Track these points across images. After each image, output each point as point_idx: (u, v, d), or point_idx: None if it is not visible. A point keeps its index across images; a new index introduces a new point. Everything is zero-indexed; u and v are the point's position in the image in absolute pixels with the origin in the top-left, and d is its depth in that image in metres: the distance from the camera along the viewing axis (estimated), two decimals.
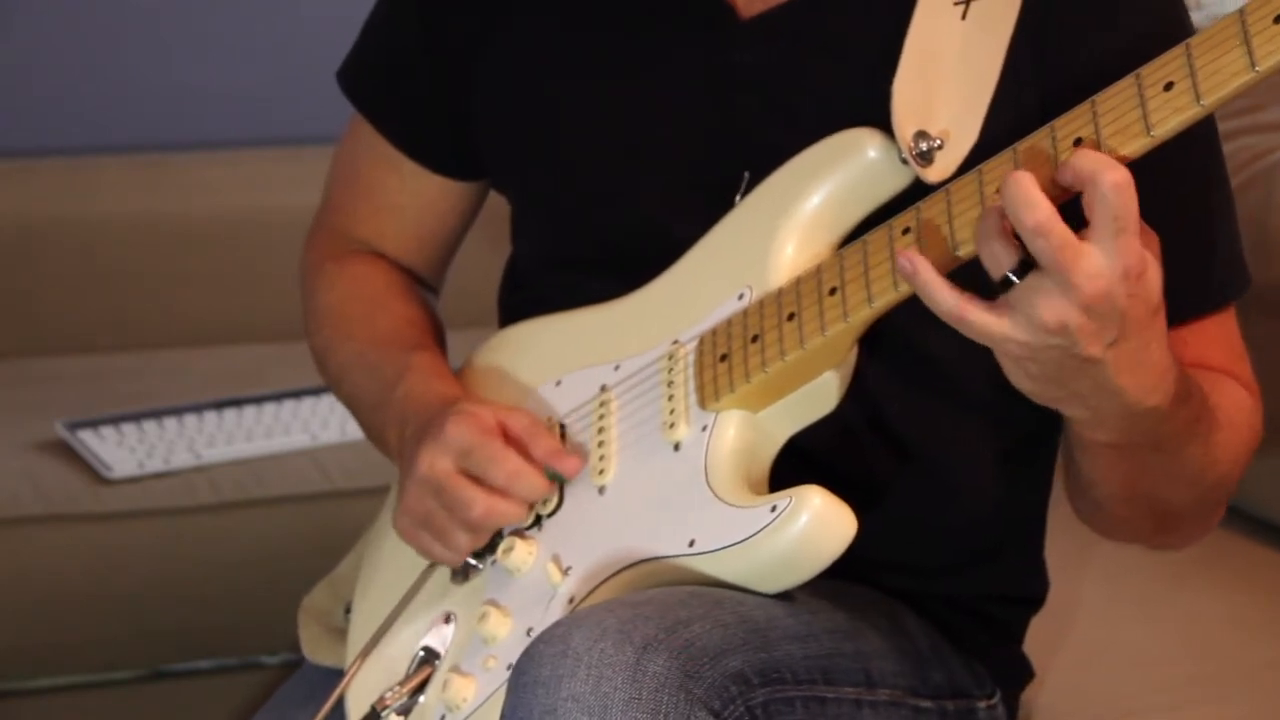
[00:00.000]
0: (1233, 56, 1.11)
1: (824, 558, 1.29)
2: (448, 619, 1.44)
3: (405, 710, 1.42)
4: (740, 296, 1.37)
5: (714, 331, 1.37)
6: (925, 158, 1.31)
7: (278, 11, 2.98)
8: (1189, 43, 1.14)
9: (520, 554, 1.39)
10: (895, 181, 1.34)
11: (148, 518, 2.34)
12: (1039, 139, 1.20)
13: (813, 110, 1.39)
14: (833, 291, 1.30)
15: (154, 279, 2.85)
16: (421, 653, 1.44)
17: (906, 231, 1.26)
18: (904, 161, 1.32)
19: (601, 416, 1.41)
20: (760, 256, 1.37)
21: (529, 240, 1.58)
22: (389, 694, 1.43)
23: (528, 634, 1.36)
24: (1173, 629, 1.90)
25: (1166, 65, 1.15)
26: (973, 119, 1.32)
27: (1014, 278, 1.16)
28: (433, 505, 1.40)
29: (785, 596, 1.33)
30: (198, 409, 2.50)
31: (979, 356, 1.39)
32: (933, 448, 1.43)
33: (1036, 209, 1.14)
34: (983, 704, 1.49)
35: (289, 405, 2.52)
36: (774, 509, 1.28)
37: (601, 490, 1.38)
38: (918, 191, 1.30)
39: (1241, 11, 1.11)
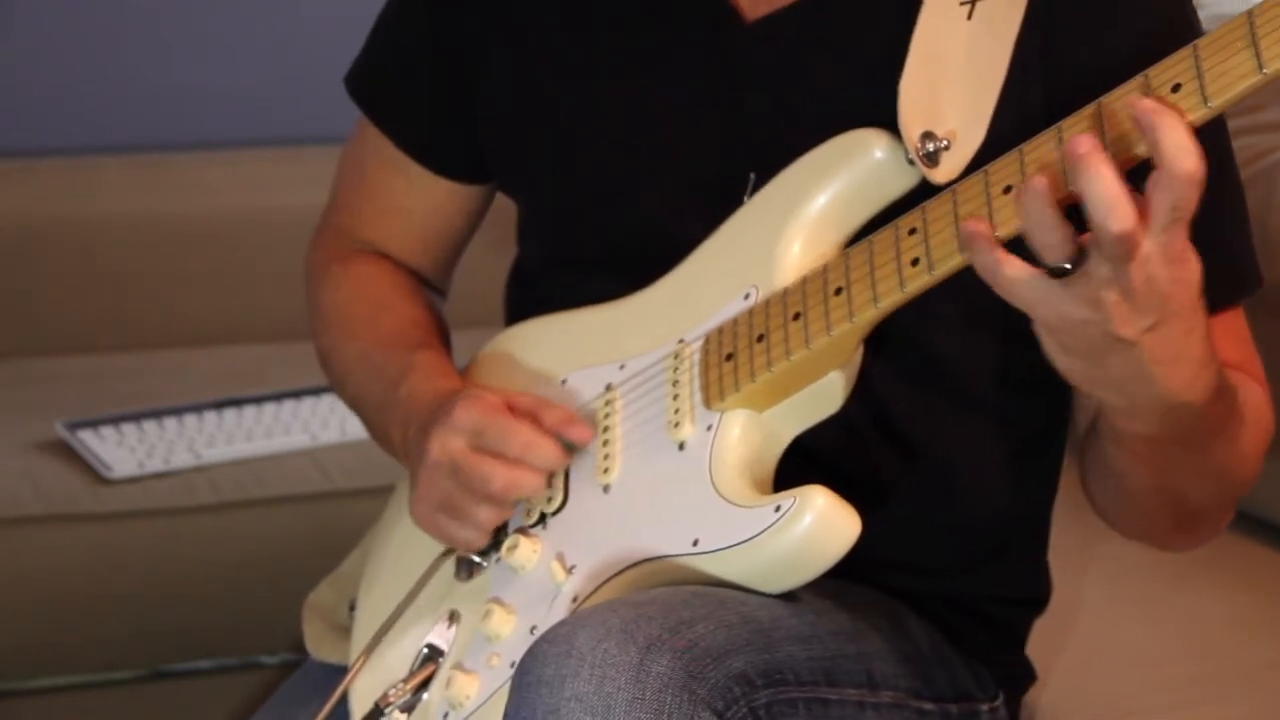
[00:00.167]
0: (1241, 58, 1.11)
1: (828, 558, 1.29)
2: (452, 617, 1.45)
3: (408, 707, 1.42)
4: (746, 296, 1.37)
5: (720, 331, 1.37)
6: (932, 158, 1.31)
7: (278, 11, 2.98)
8: (1197, 44, 1.14)
9: (524, 552, 1.39)
10: (902, 182, 1.34)
11: (148, 518, 2.34)
12: (1046, 140, 1.20)
13: (819, 111, 1.39)
14: (838, 291, 1.30)
15: (154, 279, 2.85)
16: (425, 650, 1.44)
17: (913, 232, 1.26)
18: (910, 162, 1.32)
19: (607, 415, 1.41)
20: (766, 256, 1.37)
21: (533, 240, 1.58)
22: (392, 691, 1.43)
23: (531, 632, 1.36)
24: (1173, 629, 1.90)
25: (1174, 67, 1.15)
26: (979, 119, 1.32)
27: (1070, 266, 1.15)
28: (450, 486, 1.39)
29: (789, 597, 1.33)
30: (198, 409, 2.50)
31: (984, 357, 1.40)
32: (938, 448, 1.44)
33: (1126, 217, 1.12)
34: (985, 706, 1.49)
35: (289, 405, 2.52)
36: (778, 509, 1.28)
37: (606, 489, 1.38)
38: (924, 192, 1.30)
39: (1250, 13, 1.11)
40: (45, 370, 2.72)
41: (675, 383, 1.38)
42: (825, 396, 1.34)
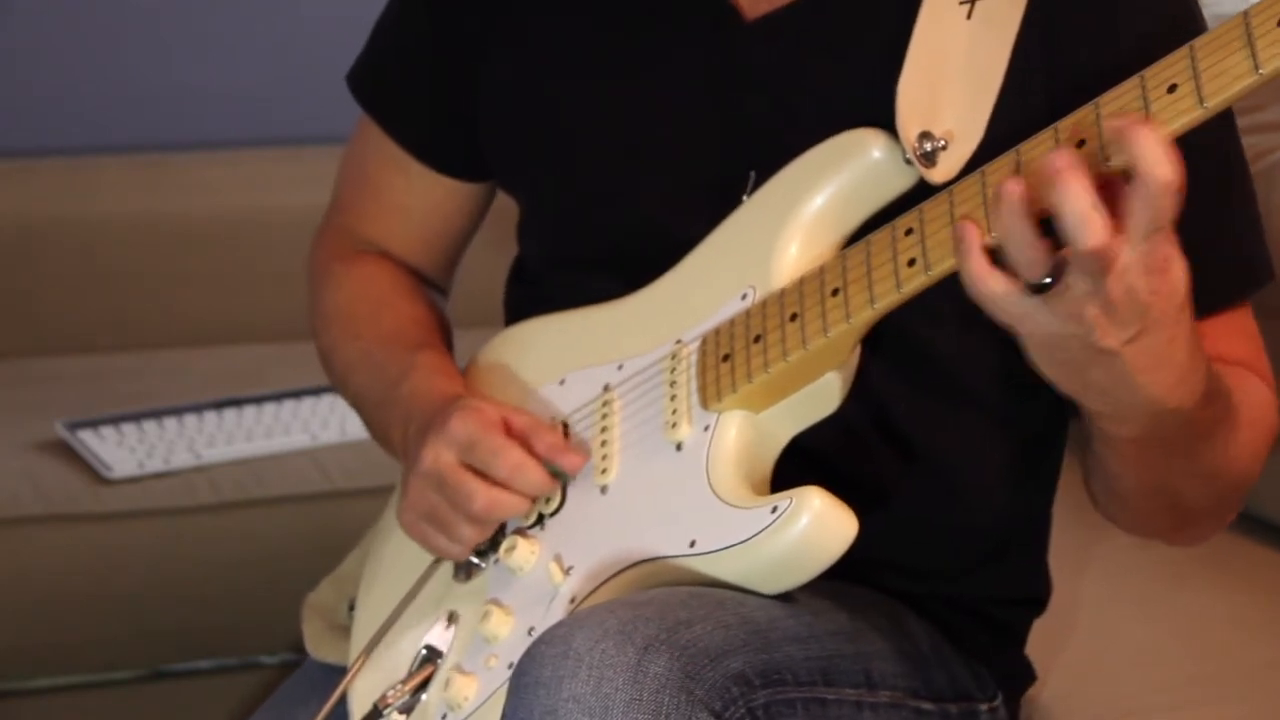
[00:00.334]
0: (1237, 59, 1.11)
1: (824, 559, 1.29)
2: (450, 618, 1.45)
3: (407, 708, 1.42)
4: (743, 296, 1.37)
5: (717, 331, 1.37)
6: (929, 158, 1.31)
7: (278, 11, 2.98)
8: (1193, 45, 1.14)
9: (522, 553, 1.39)
10: (899, 182, 1.34)
11: (148, 518, 2.34)
12: (1042, 141, 1.20)
13: (818, 111, 1.39)
14: (835, 292, 1.30)
15: (154, 279, 2.85)
16: (424, 651, 1.44)
17: (910, 233, 1.26)
18: (908, 162, 1.32)
19: (604, 416, 1.41)
20: (763, 256, 1.37)
21: (533, 239, 1.58)
22: (391, 692, 1.43)
23: (529, 633, 1.36)
24: (1173, 629, 1.90)
25: (1170, 67, 1.15)
26: (977, 120, 1.32)
27: (1049, 281, 1.15)
28: (436, 499, 1.40)
29: (786, 597, 1.33)
30: (198, 409, 2.50)
31: (984, 356, 1.40)
32: (937, 448, 1.43)
33: (1098, 233, 1.11)
34: (984, 706, 1.48)
35: (289, 405, 2.52)
36: (774, 510, 1.28)
37: (604, 490, 1.38)
38: (922, 192, 1.30)
39: (1245, 14, 1.11)
40: (45, 370, 2.73)
41: (673, 383, 1.38)
42: (822, 397, 1.33)
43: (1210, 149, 1.34)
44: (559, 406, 1.46)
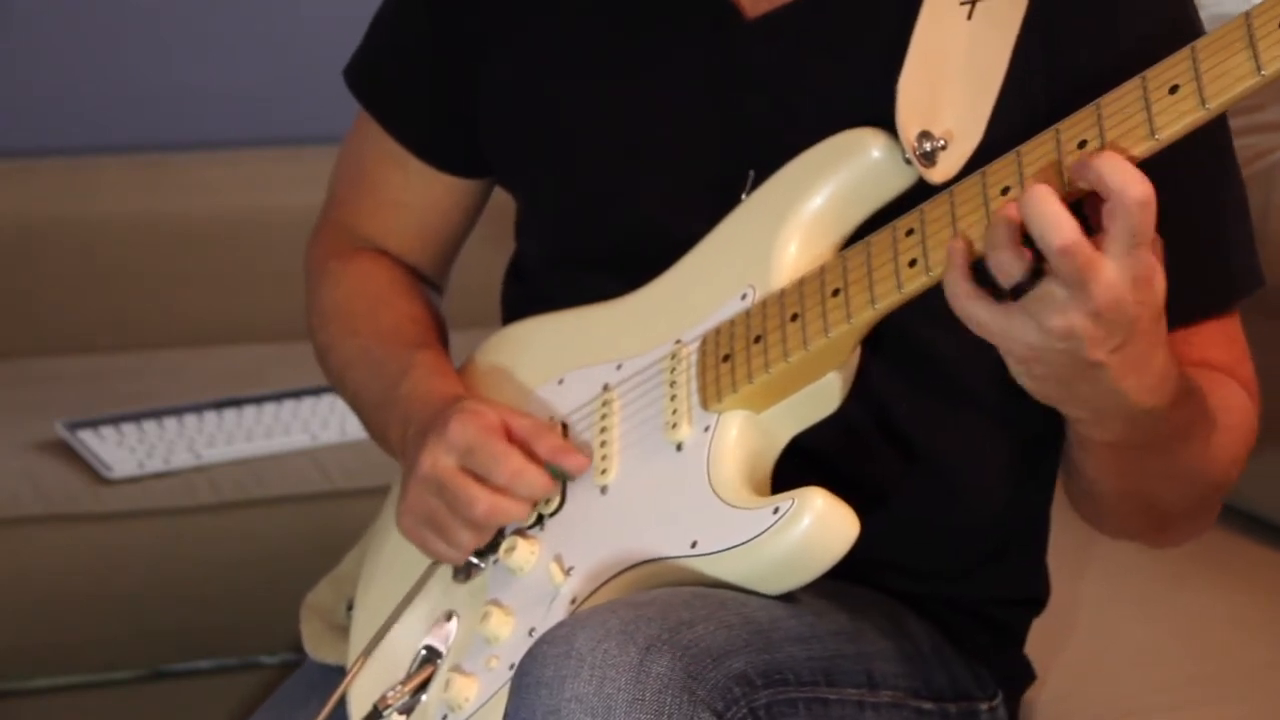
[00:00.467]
0: (1238, 60, 1.11)
1: (826, 560, 1.29)
2: (450, 618, 1.45)
3: (407, 709, 1.42)
4: (743, 296, 1.37)
5: (717, 331, 1.37)
6: (929, 158, 1.31)
7: (278, 11, 2.98)
8: (1194, 45, 1.14)
9: (522, 554, 1.39)
10: (898, 182, 1.34)
11: (148, 518, 2.34)
12: (1043, 142, 1.20)
13: (818, 111, 1.39)
14: (836, 293, 1.30)
15: (154, 279, 2.85)
16: (424, 652, 1.44)
17: (910, 233, 1.26)
18: (907, 162, 1.32)
19: (604, 416, 1.41)
20: (763, 256, 1.37)
21: (532, 238, 1.58)
22: (391, 693, 1.43)
23: (530, 634, 1.36)
24: (1173, 629, 1.90)
25: (1172, 68, 1.15)
26: (977, 120, 1.32)
27: (1025, 287, 1.16)
28: (435, 503, 1.40)
29: (788, 598, 1.33)
30: (198, 409, 2.50)
31: (984, 357, 1.39)
32: (938, 449, 1.44)
33: (1063, 230, 1.13)
34: (984, 706, 1.49)
35: (289, 405, 2.52)
36: (776, 511, 1.28)
37: (604, 490, 1.38)
38: (921, 192, 1.30)
39: (1247, 15, 1.11)
40: (45, 370, 2.72)
41: (672, 383, 1.38)
42: (823, 397, 1.34)
43: (1205, 155, 1.34)
44: (558, 406, 1.46)
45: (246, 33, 2.98)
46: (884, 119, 1.33)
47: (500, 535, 1.42)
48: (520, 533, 1.41)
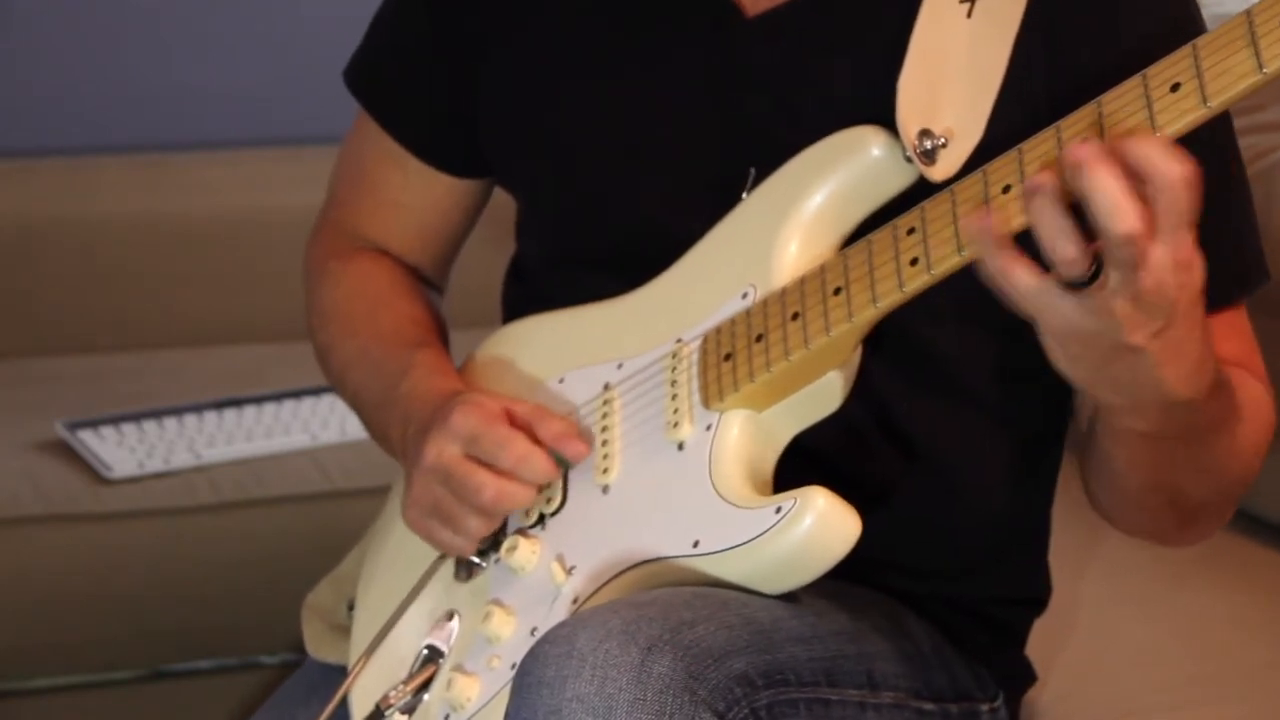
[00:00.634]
0: (1240, 57, 1.11)
1: (828, 559, 1.29)
2: (451, 618, 1.44)
3: (409, 709, 1.42)
4: (744, 295, 1.37)
5: (718, 330, 1.37)
6: (929, 156, 1.31)
7: (278, 11, 2.98)
8: (1196, 43, 1.14)
9: (524, 553, 1.39)
10: (899, 180, 1.34)
11: (148, 518, 2.34)
12: (1044, 140, 1.20)
13: (819, 110, 1.39)
14: (837, 291, 1.30)
15: (154, 279, 2.85)
16: (425, 651, 1.44)
17: (911, 232, 1.26)
18: (908, 160, 1.32)
19: (605, 415, 1.41)
20: (764, 255, 1.37)
21: (532, 237, 1.58)
22: (393, 693, 1.43)
23: (531, 634, 1.35)
24: (1173, 629, 1.90)
25: (1173, 66, 1.14)
26: (977, 117, 1.32)
27: (1088, 279, 1.14)
28: (441, 492, 1.39)
29: (789, 598, 1.33)
30: (198, 409, 2.50)
31: (984, 355, 1.40)
32: (939, 448, 1.43)
33: (1130, 218, 1.12)
34: (985, 706, 1.49)
35: (289, 405, 2.52)
36: (778, 510, 1.28)
37: (605, 490, 1.38)
38: (921, 190, 1.30)
39: (1248, 13, 1.11)
40: (45, 370, 2.72)
41: (674, 383, 1.38)
42: (824, 396, 1.33)
43: (1209, 150, 1.34)
44: (559, 405, 1.46)
45: (246, 33, 2.98)
46: (884, 117, 1.33)
47: (502, 534, 1.42)
48: (522, 532, 1.41)
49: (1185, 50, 1.14)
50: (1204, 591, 1.95)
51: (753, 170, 1.41)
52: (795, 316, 1.32)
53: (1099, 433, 1.33)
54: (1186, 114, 1.14)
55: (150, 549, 2.34)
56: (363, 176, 1.65)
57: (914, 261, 1.25)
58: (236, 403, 2.52)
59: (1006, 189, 1.21)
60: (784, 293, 1.34)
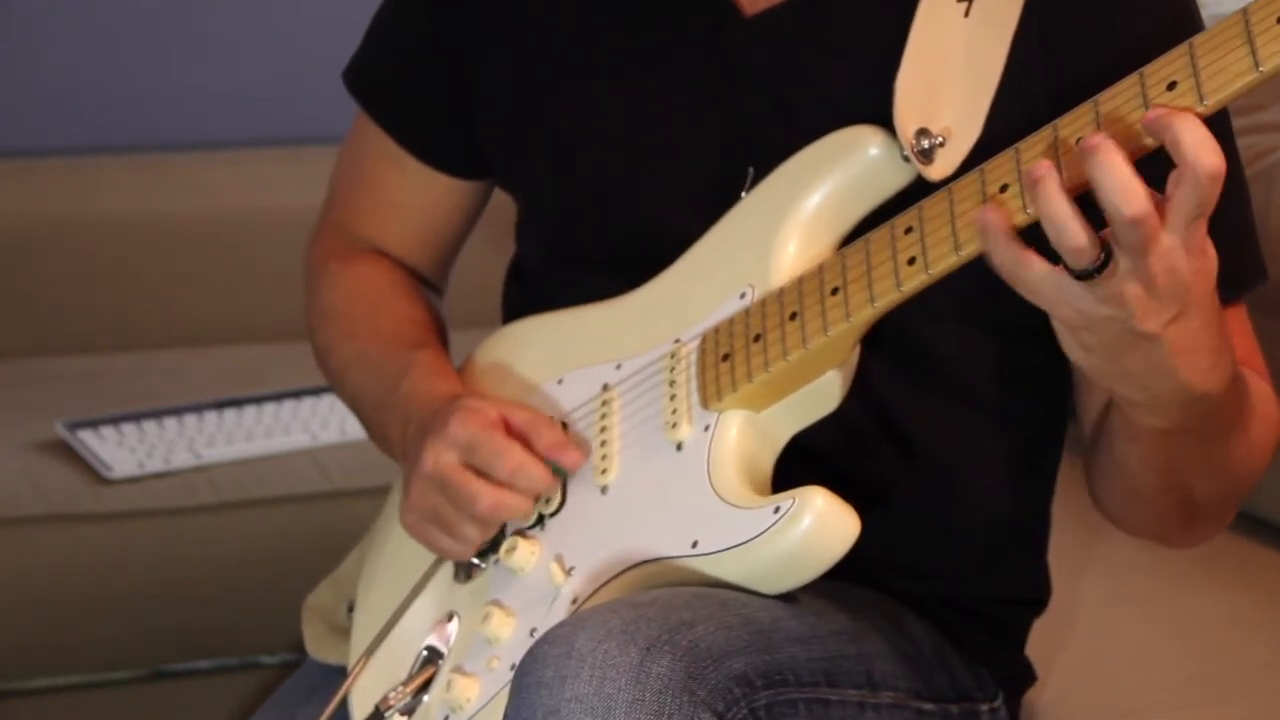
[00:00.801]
0: (1236, 56, 1.11)
1: (827, 559, 1.29)
2: (451, 619, 1.44)
3: (409, 710, 1.42)
4: (742, 295, 1.37)
5: (716, 330, 1.37)
6: (927, 155, 1.31)
7: (278, 11, 2.98)
8: (1192, 42, 1.14)
9: (523, 554, 1.39)
10: (896, 179, 1.34)
11: (148, 518, 2.34)
12: (1041, 138, 1.20)
13: (818, 110, 1.39)
14: (835, 291, 1.30)
15: (154, 279, 2.85)
16: (425, 652, 1.44)
17: (909, 231, 1.26)
18: (905, 159, 1.32)
19: (603, 415, 1.41)
20: (762, 255, 1.37)
21: (532, 238, 1.58)
22: (393, 694, 1.43)
23: (531, 634, 1.35)
24: (1173, 629, 1.90)
25: (1170, 64, 1.14)
26: (975, 117, 1.32)
27: (1094, 272, 1.14)
28: (438, 500, 1.40)
29: (789, 598, 1.33)
30: (198, 409, 2.50)
31: (983, 355, 1.40)
32: (938, 448, 1.43)
33: (1137, 199, 1.11)
34: (985, 706, 1.48)
35: (289, 405, 2.52)
36: (777, 510, 1.28)
37: (604, 490, 1.38)
38: (919, 189, 1.30)
39: (1245, 11, 1.11)
40: (45, 370, 2.72)
41: (672, 383, 1.38)
42: (823, 396, 1.33)
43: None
44: (557, 405, 1.46)
45: (246, 33, 2.98)
46: (882, 116, 1.33)
47: (501, 535, 1.42)
48: (521, 533, 1.41)
49: (1182, 49, 1.14)
50: (1204, 591, 1.95)
51: (751, 170, 1.41)
52: (793, 316, 1.32)
53: (1115, 432, 1.33)
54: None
55: (150, 549, 2.34)
56: (362, 177, 1.65)
57: (911, 261, 1.25)
58: (236, 403, 2.52)
59: (1004, 188, 1.20)
60: (782, 293, 1.34)
